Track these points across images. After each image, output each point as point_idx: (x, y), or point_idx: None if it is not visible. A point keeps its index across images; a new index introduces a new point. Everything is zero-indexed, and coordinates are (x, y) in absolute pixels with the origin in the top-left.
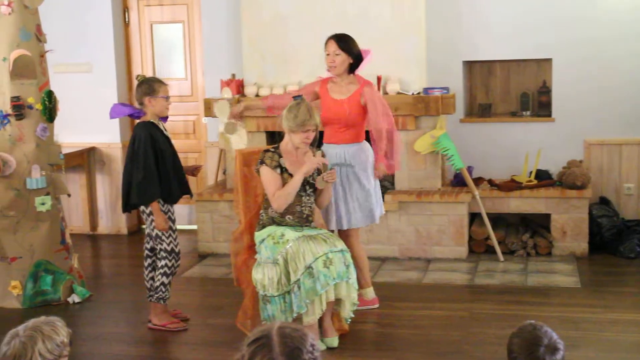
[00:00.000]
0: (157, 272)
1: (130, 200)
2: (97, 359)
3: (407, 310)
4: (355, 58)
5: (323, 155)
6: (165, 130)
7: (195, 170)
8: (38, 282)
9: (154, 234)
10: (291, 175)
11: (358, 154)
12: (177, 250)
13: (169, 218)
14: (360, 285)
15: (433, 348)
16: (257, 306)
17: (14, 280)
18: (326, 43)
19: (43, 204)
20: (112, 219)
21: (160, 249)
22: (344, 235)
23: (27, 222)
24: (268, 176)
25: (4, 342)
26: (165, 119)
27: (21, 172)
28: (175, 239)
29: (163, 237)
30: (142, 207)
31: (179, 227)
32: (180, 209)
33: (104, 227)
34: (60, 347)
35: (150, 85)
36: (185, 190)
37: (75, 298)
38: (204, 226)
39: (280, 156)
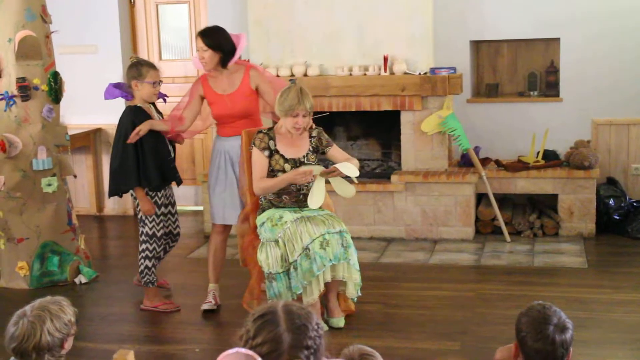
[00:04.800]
0: (140, 256)
1: (109, 188)
2: (104, 339)
3: (413, 290)
4: (225, 52)
5: (320, 132)
6: (159, 113)
7: (177, 137)
8: (45, 263)
9: (139, 217)
10: (282, 157)
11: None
12: (159, 235)
13: (155, 203)
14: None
15: (439, 328)
16: (263, 286)
17: (21, 261)
18: (196, 39)
19: (49, 185)
20: (118, 200)
21: (142, 232)
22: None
23: (34, 203)
24: (254, 158)
25: (11, 322)
26: (164, 99)
27: (27, 153)
28: (158, 224)
29: (146, 221)
30: (131, 192)
31: (185, 208)
32: (187, 190)
33: (110, 208)
34: (68, 325)
35: (138, 69)
36: (170, 177)
37: (82, 279)
38: None
39: (270, 138)
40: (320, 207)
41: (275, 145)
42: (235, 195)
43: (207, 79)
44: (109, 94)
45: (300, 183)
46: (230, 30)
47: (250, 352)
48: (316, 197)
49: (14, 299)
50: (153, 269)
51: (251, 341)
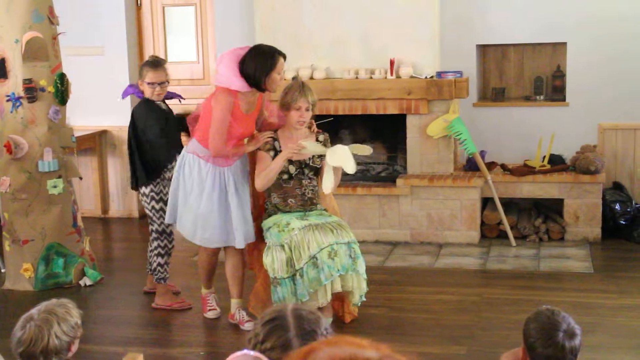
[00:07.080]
0: (152, 253)
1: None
2: (109, 342)
3: (418, 294)
4: None
5: (326, 139)
6: (169, 111)
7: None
8: (50, 265)
9: (146, 215)
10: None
11: (245, 161)
12: (168, 231)
13: (161, 199)
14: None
15: (444, 332)
16: (268, 290)
17: (26, 263)
18: (277, 61)
19: (55, 186)
20: (123, 202)
21: (152, 230)
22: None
23: (39, 205)
24: (259, 157)
25: (18, 326)
26: (179, 99)
27: (33, 154)
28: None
29: (154, 218)
30: (140, 189)
31: None
32: None
33: (115, 210)
34: (74, 328)
35: (142, 68)
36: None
37: (87, 281)
38: None
39: (275, 139)
40: (326, 211)
41: (280, 147)
42: (246, 213)
43: (237, 97)
44: (124, 93)
45: (295, 159)
46: (237, 32)
47: (259, 355)
48: (326, 181)
49: (19, 301)
50: (165, 265)
51: (260, 345)
